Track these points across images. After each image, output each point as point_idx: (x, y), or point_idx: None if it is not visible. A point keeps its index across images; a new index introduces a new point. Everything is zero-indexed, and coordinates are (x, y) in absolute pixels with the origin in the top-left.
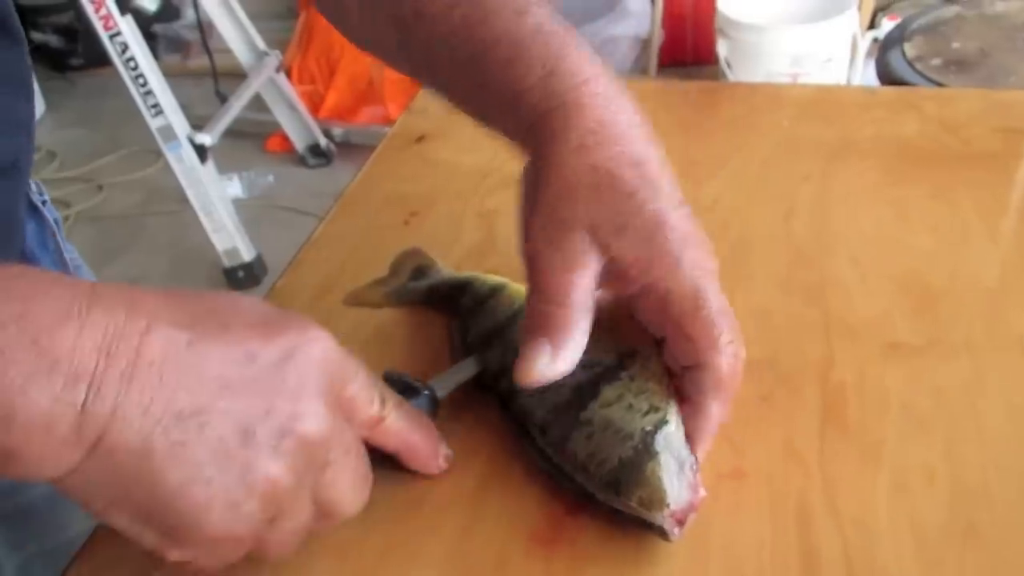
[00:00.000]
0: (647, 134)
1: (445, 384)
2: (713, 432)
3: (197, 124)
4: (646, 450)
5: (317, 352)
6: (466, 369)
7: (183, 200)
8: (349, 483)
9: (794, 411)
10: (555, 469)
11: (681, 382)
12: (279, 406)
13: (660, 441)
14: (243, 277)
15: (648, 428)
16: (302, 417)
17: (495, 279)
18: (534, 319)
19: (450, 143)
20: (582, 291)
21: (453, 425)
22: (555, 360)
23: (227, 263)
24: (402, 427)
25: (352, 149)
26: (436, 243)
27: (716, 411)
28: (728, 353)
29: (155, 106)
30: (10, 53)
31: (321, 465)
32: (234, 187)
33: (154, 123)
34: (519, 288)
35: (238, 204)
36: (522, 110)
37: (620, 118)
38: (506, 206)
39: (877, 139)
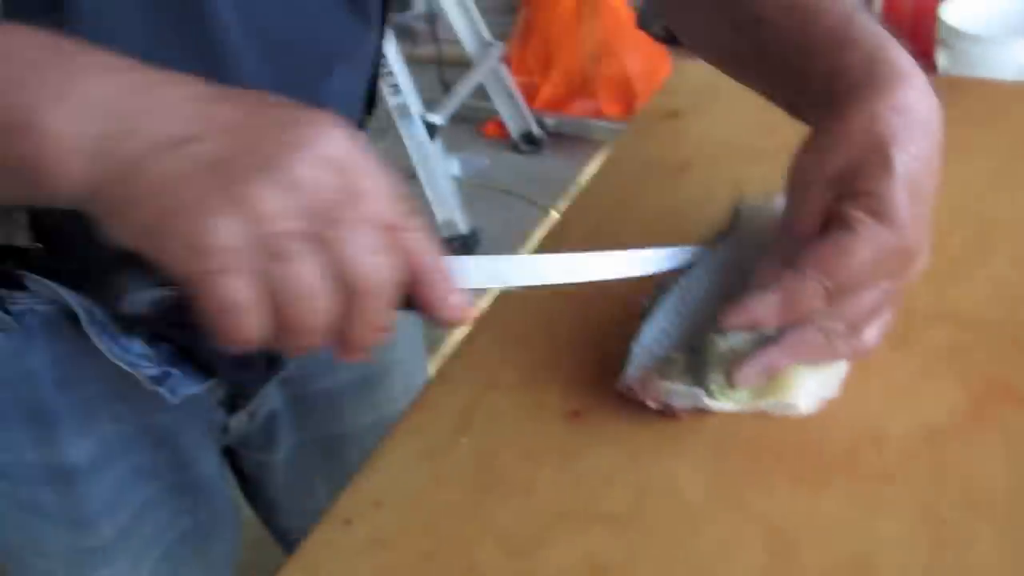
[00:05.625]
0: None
1: None
2: None
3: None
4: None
5: (326, 142)
6: None
7: (404, 176)
8: (369, 249)
9: None
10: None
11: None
12: (266, 148)
13: None
14: (458, 247)
15: None
16: (288, 167)
17: None
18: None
19: (703, 118)
20: None
21: None
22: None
23: (444, 233)
24: (426, 247)
25: (562, 139)
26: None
27: None
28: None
29: (394, 86)
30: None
31: (327, 217)
32: (453, 166)
33: (392, 101)
34: None
35: (455, 182)
36: (838, 87)
37: (921, 109)
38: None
39: None
